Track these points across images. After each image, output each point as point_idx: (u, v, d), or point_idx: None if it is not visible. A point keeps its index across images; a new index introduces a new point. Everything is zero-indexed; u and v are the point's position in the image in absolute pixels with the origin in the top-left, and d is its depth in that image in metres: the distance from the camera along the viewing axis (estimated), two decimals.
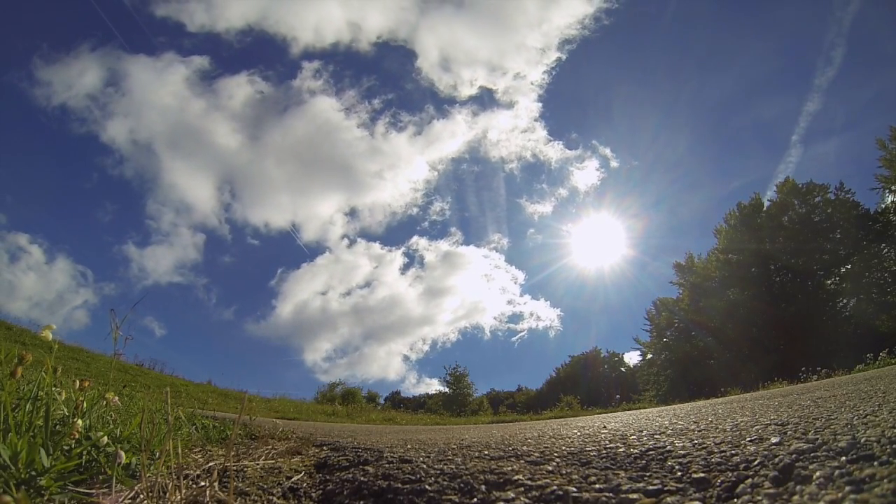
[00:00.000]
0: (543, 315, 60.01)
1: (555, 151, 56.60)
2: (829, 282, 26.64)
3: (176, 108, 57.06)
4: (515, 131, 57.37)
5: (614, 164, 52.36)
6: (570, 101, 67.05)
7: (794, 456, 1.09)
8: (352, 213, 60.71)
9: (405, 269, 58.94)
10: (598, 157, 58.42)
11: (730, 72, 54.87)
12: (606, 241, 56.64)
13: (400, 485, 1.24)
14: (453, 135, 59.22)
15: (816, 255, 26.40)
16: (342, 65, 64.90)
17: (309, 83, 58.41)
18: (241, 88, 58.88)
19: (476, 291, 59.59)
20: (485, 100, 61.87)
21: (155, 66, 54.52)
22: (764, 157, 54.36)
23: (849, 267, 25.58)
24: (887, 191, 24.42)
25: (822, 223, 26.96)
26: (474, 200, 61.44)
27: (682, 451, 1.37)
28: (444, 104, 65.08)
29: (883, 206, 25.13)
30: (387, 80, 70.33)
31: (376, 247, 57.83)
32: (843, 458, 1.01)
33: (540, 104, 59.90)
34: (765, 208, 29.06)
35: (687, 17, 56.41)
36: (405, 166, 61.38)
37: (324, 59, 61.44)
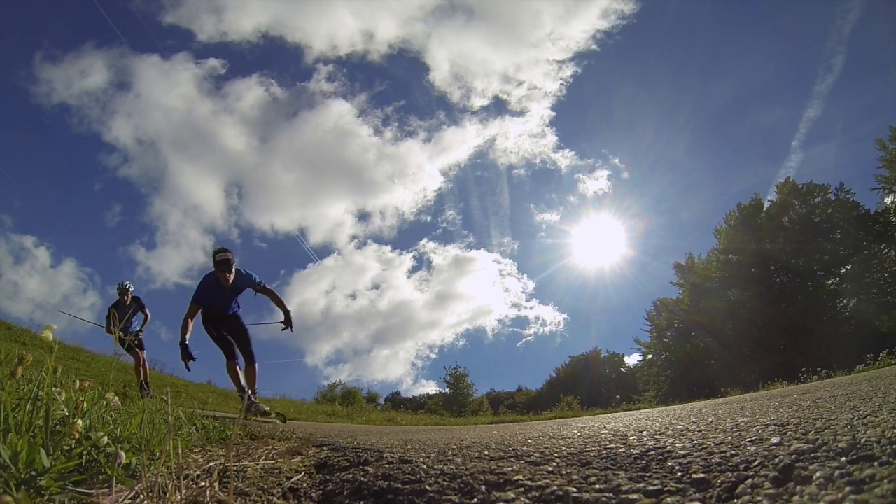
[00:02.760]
0: (549, 319, 60.19)
1: (565, 159, 56.91)
2: (829, 282, 26.64)
3: (185, 110, 57.13)
4: (525, 135, 57.39)
5: (625, 175, 52.47)
6: (582, 112, 67.19)
7: (794, 456, 1.09)
8: (361, 216, 60.75)
9: (413, 272, 58.72)
10: (609, 167, 58.34)
11: (730, 79, 55.10)
12: (607, 241, 56.92)
13: (400, 485, 1.24)
14: (464, 141, 59.35)
15: (816, 256, 26.40)
16: (354, 70, 64.91)
17: (321, 86, 58.52)
18: (251, 91, 58.92)
19: (482, 295, 59.56)
20: (497, 108, 62.05)
21: (164, 68, 54.59)
22: (764, 162, 54.34)
23: (849, 267, 25.57)
24: (887, 191, 24.43)
25: (823, 224, 26.96)
26: (484, 206, 61.40)
27: (682, 452, 1.37)
28: (455, 111, 64.95)
29: (883, 206, 25.17)
30: (399, 87, 70.46)
31: (385, 250, 57.81)
32: (843, 458, 1.01)
33: (553, 112, 60.10)
34: (765, 209, 29.07)
35: (688, 26, 56.71)
36: (416, 171, 61.41)
37: (336, 64, 61.55)
